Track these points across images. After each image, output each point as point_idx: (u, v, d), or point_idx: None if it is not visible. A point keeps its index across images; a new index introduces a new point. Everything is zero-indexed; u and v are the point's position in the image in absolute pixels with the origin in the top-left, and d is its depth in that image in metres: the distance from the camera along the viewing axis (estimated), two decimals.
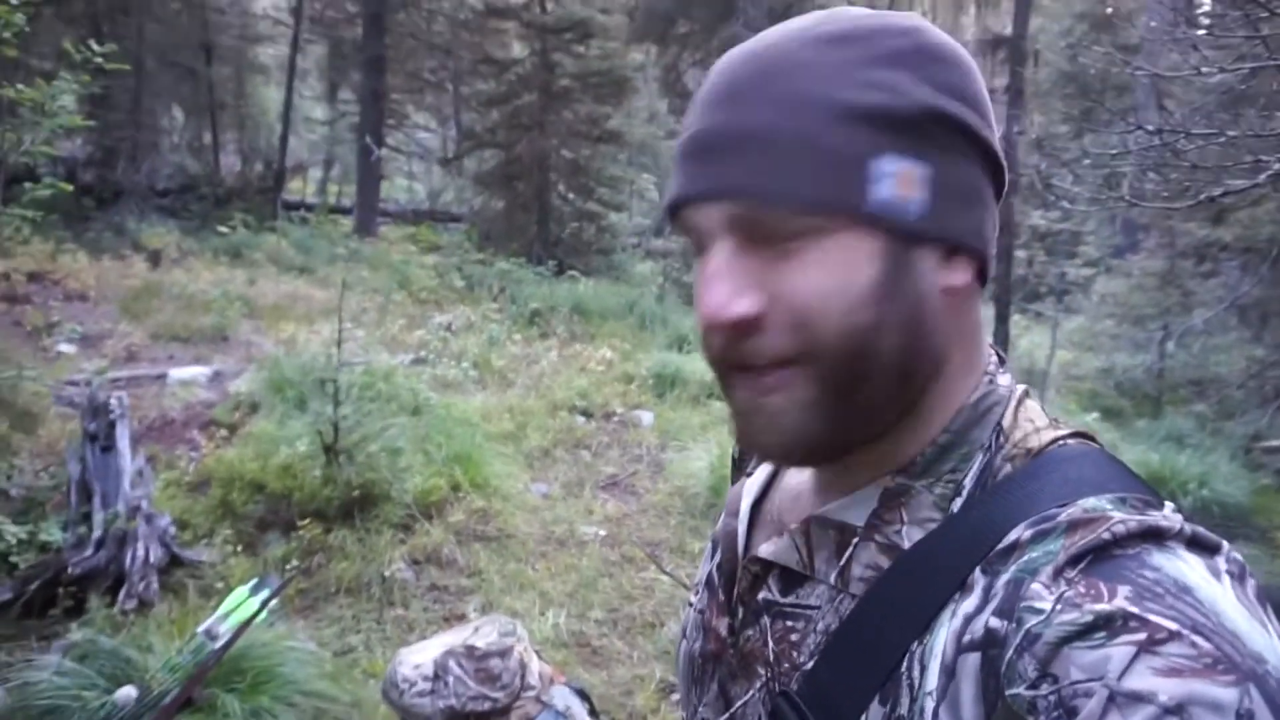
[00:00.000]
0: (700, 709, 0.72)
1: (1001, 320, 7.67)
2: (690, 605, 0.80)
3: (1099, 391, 9.07)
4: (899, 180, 0.55)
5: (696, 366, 7.76)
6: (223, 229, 11.10)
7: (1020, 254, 9.04)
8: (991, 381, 0.62)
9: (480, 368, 7.29)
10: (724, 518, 0.77)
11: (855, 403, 0.57)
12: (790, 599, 0.64)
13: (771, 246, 0.56)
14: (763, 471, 0.79)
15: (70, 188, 4.15)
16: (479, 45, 16.20)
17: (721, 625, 0.71)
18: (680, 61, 15.83)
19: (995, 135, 0.62)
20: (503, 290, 10.31)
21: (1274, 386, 8.08)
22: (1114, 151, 2.58)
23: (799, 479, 0.72)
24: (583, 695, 2.85)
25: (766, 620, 0.65)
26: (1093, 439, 0.61)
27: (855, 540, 0.61)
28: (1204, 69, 2.27)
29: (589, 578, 4.18)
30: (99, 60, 4.19)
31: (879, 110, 0.55)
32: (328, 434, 4.29)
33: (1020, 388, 0.64)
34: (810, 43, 0.57)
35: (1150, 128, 2.40)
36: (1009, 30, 9.05)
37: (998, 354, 0.66)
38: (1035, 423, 0.61)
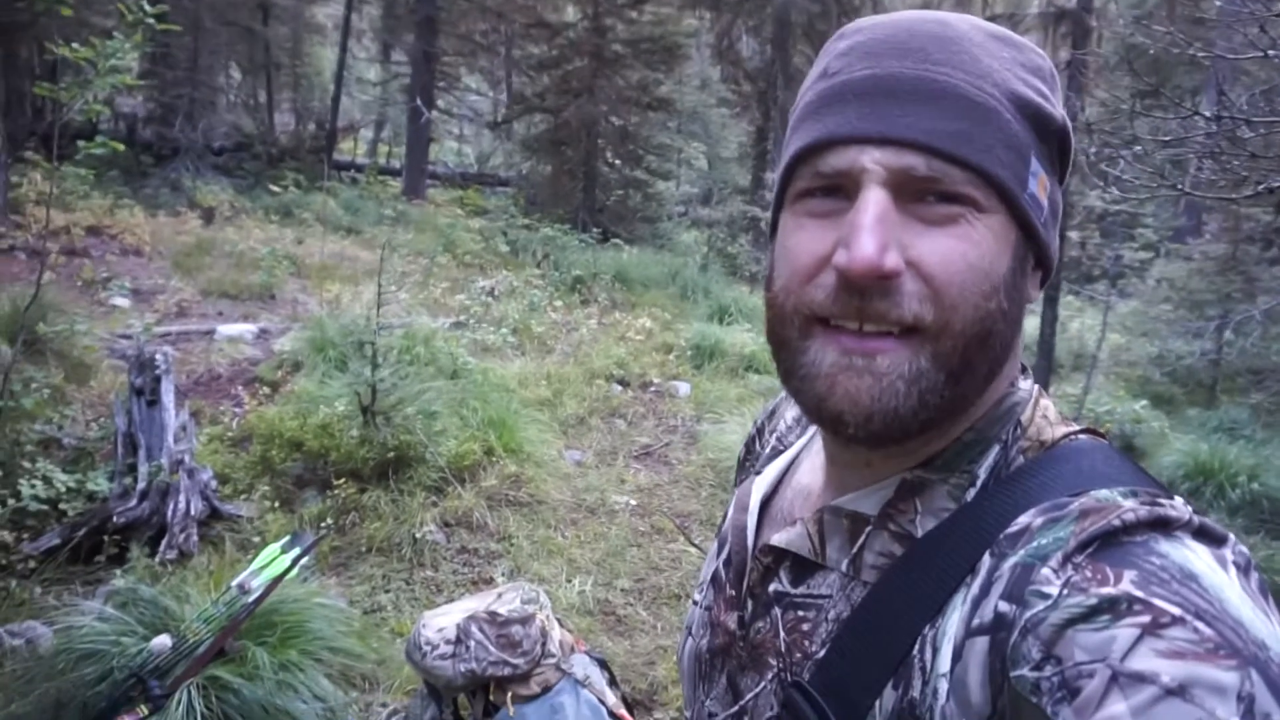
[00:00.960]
0: (707, 703, 0.72)
1: (1050, 302, 7.48)
2: (695, 603, 0.80)
3: (1149, 378, 8.82)
4: (1039, 182, 0.57)
5: (736, 339, 7.72)
6: (274, 188, 11.28)
7: (1074, 235, 8.77)
8: (1014, 384, 0.63)
9: (520, 333, 7.34)
10: (732, 513, 0.77)
11: (959, 387, 0.56)
12: (801, 589, 0.64)
13: (923, 208, 0.54)
14: (774, 469, 0.79)
15: (123, 146, 4.22)
16: (531, 8, 16.08)
17: (731, 619, 0.71)
18: (733, 29, 15.55)
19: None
20: (546, 256, 10.33)
21: None
22: (1167, 138, 2.47)
23: (811, 477, 0.72)
24: (603, 664, 2.89)
25: (778, 611, 0.66)
26: (1103, 436, 0.62)
27: (868, 528, 0.61)
28: (1271, 52, 2.15)
29: (617, 547, 4.22)
30: (150, 20, 4.25)
31: (1036, 110, 0.57)
32: (365, 395, 4.36)
33: (1036, 388, 0.65)
34: (977, 29, 0.58)
35: (1208, 114, 2.29)
36: (1073, 3, 8.72)
37: (1021, 363, 0.67)
38: (1050, 419, 0.62)
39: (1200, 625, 0.43)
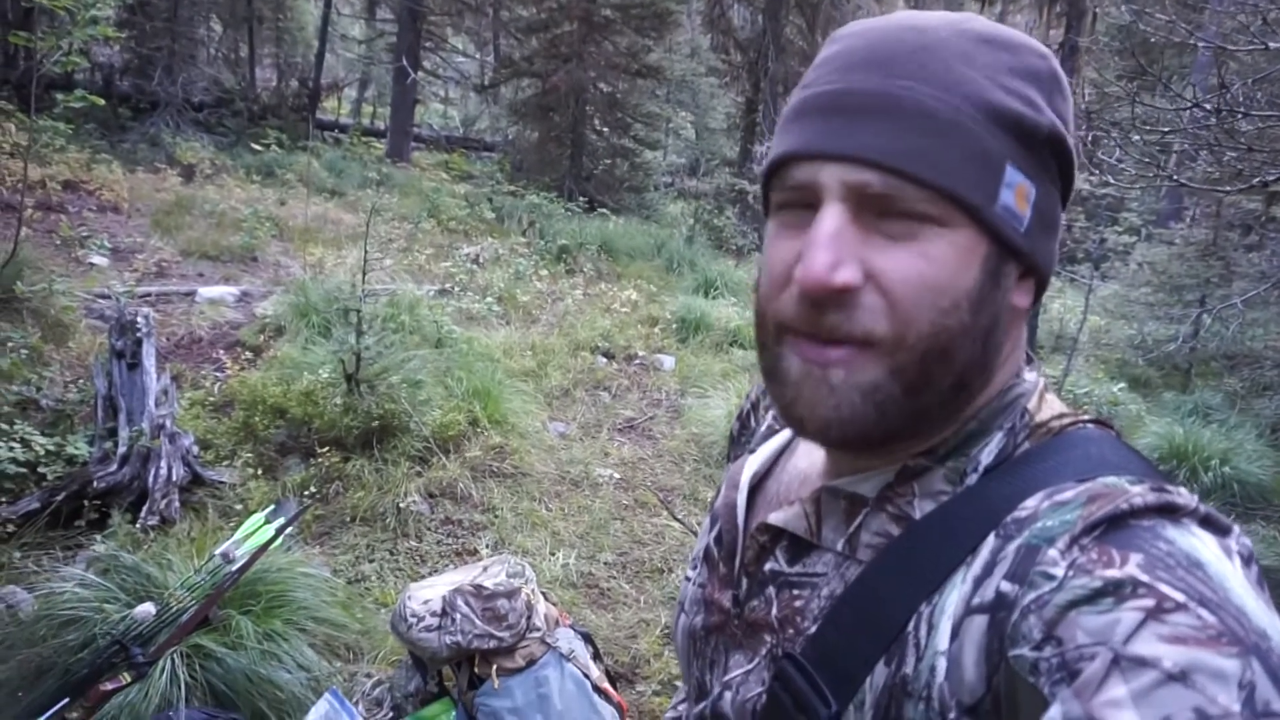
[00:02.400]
0: (702, 678, 0.73)
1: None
2: (687, 579, 0.81)
3: (1128, 360, 8.92)
4: (1016, 193, 0.56)
5: (721, 312, 7.72)
6: (256, 146, 11.07)
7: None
8: (1019, 375, 0.64)
9: (505, 302, 7.29)
10: (724, 490, 0.77)
11: (916, 401, 0.57)
12: (797, 568, 0.65)
13: (885, 224, 0.55)
14: (768, 449, 0.79)
15: (103, 101, 4.13)
16: None
17: (725, 597, 0.71)
18: None
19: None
20: (532, 224, 10.25)
21: None
22: (1165, 130, 2.47)
23: (808, 462, 0.72)
24: (587, 638, 2.91)
25: (773, 590, 0.66)
26: (1111, 426, 0.63)
27: (865, 510, 0.62)
28: (1271, 44, 2.15)
29: (601, 520, 4.23)
30: None
31: (1015, 118, 0.56)
32: (350, 363, 4.33)
33: (1042, 380, 0.65)
34: (962, 34, 0.57)
35: (1208, 105, 2.29)
36: None
37: (1027, 353, 0.67)
38: (1056, 409, 0.63)
39: (1204, 612, 0.43)
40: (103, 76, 12.79)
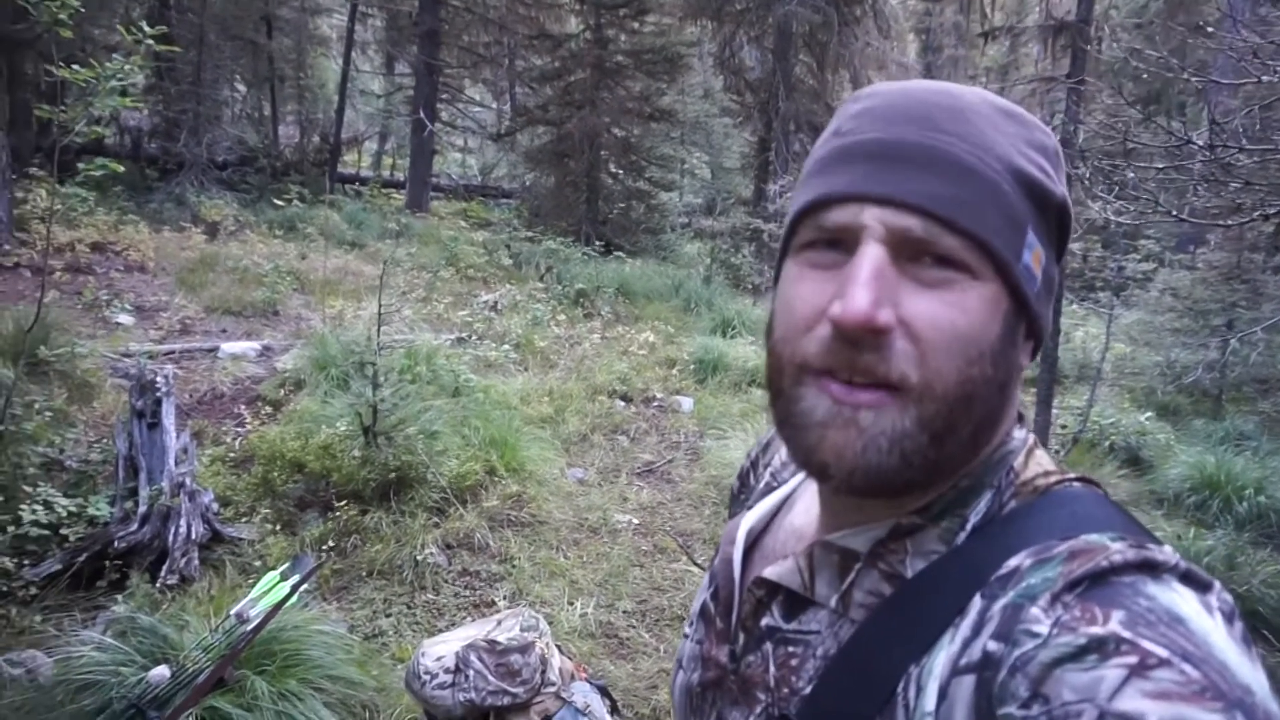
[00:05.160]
0: None
1: (1053, 313, 7.45)
2: (686, 636, 0.81)
3: (1154, 389, 8.78)
4: (1033, 255, 0.59)
5: (739, 352, 7.71)
6: (278, 201, 11.30)
7: (1075, 247, 8.75)
8: (1009, 434, 0.64)
9: (523, 348, 7.33)
10: (721, 547, 0.78)
11: (943, 448, 0.57)
12: (793, 625, 0.65)
13: (919, 269, 0.56)
14: (765, 506, 0.79)
15: (121, 168, 4.23)
16: (534, 20, 16.13)
17: (721, 653, 0.72)
18: (735, 39, 15.56)
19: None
20: (549, 269, 10.34)
21: None
22: (1160, 165, 2.47)
23: (804, 519, 0.73)
24: (604, 691, 2.87)
25: (769, 646, 0.66)
26: (1096, 484, 0.63)
27: (858, 565, 0.62)
28: (1265, 78, 2.14)
29: (620, 567, 4.20)
30: (149, 42, 4.27)
31: (1037, 186, 0.59)
32: (367, 415, 4.36)
33: (1032, 437, 0.66)
34: (985, 102, 0.61)
35: (1200, 143, 2.28)
36: (1072, 15, 8.72)
37: (1019, 411, 0.68)
38: (1044, 466, 0.63)
39: (1187, 667, 0.43)
40: (131, 140, 13.17)
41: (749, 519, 0.78)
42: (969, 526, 0.60)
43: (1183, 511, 5.81)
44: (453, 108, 17.44)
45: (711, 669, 0.72)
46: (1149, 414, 7.53)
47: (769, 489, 0.82)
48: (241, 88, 16.46)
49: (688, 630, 0.81)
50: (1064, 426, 7.14)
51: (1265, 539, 5.34)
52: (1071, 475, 0.63)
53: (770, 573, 0.67)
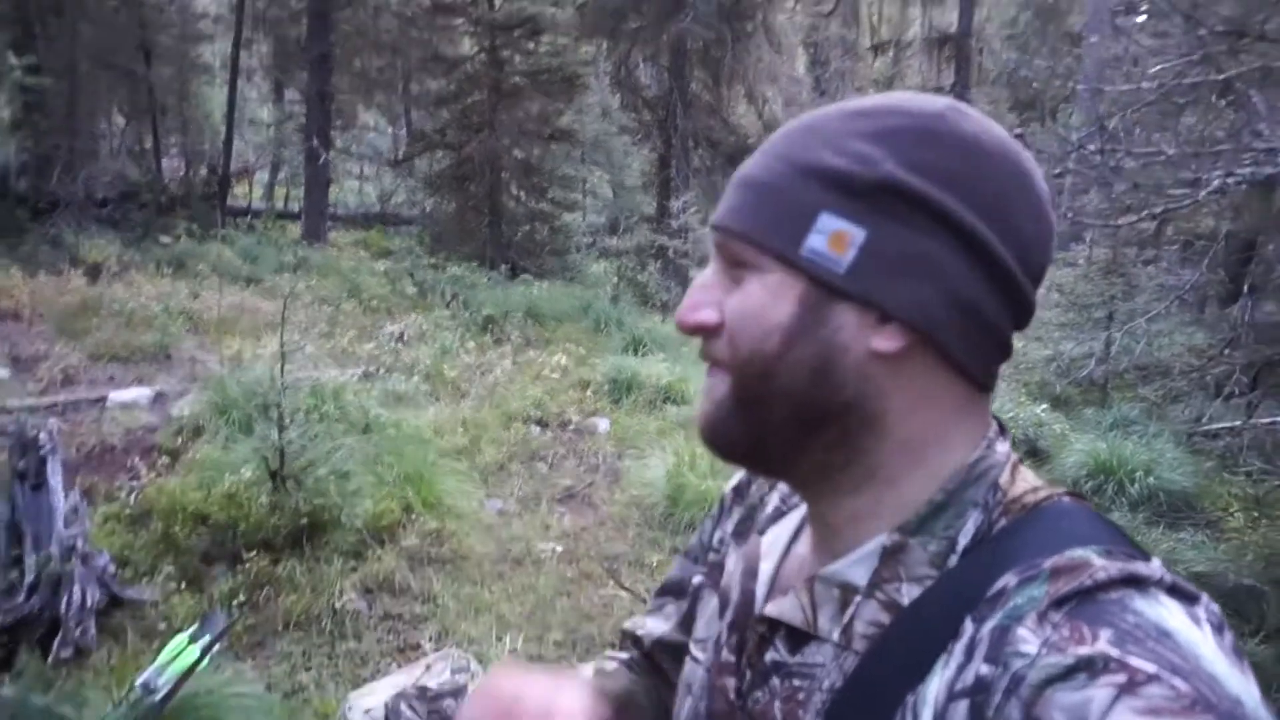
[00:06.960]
0: None
1: None
2: (695, 660, 0.80)
3: (1047, 381, 9.21)
4: (830, 238, 0.60)
5: (652, 370, 7.73)
6: (165, 239, 10.83)
7: None
8: (989, 447, 0.64)
9: (433, 379, 7.19)
10: (740, 576, 0.77)
11: (756, 416, 0.64)
12: (798, 659, 0.66)
13: (736, 272, 0.64)
14: (783, 533, 0.78)
15: None
16: (427, 43, 15.96)
17: (729, 685, 0.71)
18: (631, 57, 15.72)
19: (1003, 228, 0.61)
20: (455, 296, 10.19)
21: (1215, 372, 8.27)
22: (1057, 171, 2.59)
23: (806, 546, 0.73)
24: None
25: (776, 681, 0.67)
26: (1084, 499, 0.64)
27: (858, 598, 0.63)
28: (1145, 84, 2.28)
29: (546, 598, 4.14)
30: (16, 74, 4.03)
31: (833, 173, 0.60)
32: (273, 459, 4.19)
33: (1015, 454, 0.67)
34: (839, 113, 0.64)
35: (1092, 148, 2.41)
36: (954, 28, 9.15)
37: (999, 424, 0.67)
38: (1031, 483, 0.64)
39: (1177, 681, 0.44)
40: None
41: (769, 550, 0.76)
42: (959, 548, 0.61)
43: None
44: (347, 134, 17.08)
45: (720, 700, 0.72)
46: (1044, 406, 7.88)
47: (779, 513, 0.81)
48: (120, 120, 15.71)
49: (698, 654, 0.80)
50: None
51: (1157, 518, 5.65)
52: (1060, 490, 0.64)
53: (773, 610, 0.68)
